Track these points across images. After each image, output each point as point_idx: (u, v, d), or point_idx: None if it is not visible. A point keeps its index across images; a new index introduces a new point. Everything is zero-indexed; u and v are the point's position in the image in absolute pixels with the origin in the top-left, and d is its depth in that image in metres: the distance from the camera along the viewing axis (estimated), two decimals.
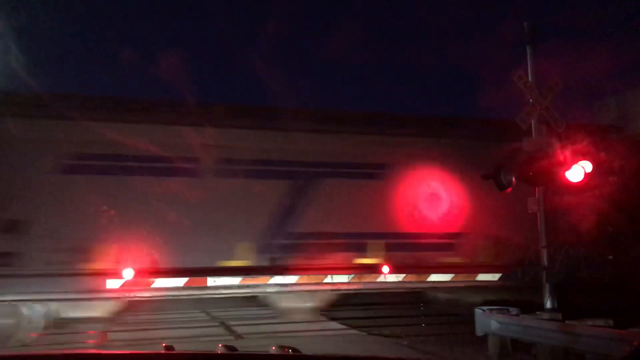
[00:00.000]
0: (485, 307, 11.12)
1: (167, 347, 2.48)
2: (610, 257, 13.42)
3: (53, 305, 12.79)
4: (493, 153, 11.91)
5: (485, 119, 15.70)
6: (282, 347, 2.66)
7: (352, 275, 14.01)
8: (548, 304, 10.25)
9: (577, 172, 9.89)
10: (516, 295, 13.41)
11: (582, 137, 10.14)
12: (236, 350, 2.57)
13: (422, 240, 14.65)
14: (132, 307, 14.24)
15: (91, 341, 12.71)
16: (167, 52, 15.96)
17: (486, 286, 14.56)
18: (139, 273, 12.68)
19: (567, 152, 10.00)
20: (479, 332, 10.98)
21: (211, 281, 13.14)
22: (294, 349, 2.59)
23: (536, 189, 10.42)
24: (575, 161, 9.96)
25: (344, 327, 14.32)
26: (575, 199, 10.49)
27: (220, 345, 2.62)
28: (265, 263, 13.71)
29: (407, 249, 14.49)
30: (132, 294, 12.96)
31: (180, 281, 13.03)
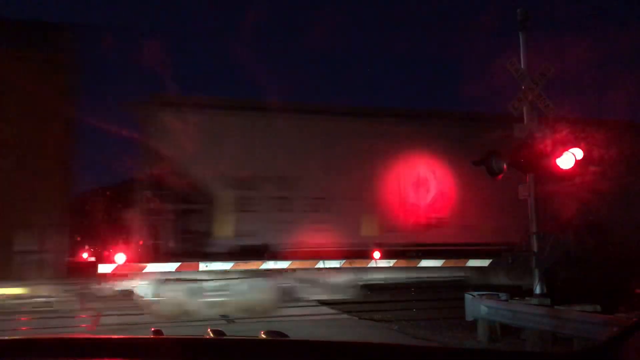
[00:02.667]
0: (475, 293, 11.22)
1: (156, 332, 2.49)
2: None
3: None
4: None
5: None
6: (270, 332, 2.68)
7: (343, 261, 14.07)
8: (537, 290, 10.35)
9: (568, 159, 9.93)
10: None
11: (572, 124, 10.19)
12: (224, 334, 2.58)
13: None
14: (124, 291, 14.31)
15: (82, 325, 12.74)
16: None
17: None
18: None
19: (558, 139, 10.03)
20: (469, 317, 11.08)
21: (203, 266, 13.15)
22: (282, 334, 2.61)
23: (527, 175, 10.48)
24: (566, 148, 10.00)
25: (335, 311, 14.39)
26: (565, 186, 10.54)
27: (209, 329, 2.64)
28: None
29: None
30: None
31: (172, 266, 13.05)
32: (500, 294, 10.81)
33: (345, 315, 13.88)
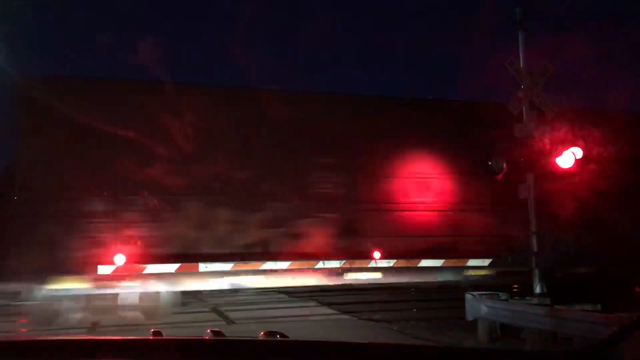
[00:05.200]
0: (475, 292, 11.22)
1: (155, 333, 2.49)
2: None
3: None
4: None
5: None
6: (270, 333, 2.67)
7: (344, 261, 14.05)
8: (537, 289, 10.35)
9: (568, 158, 9.96)
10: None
11: (572, 123, 10.21)
12: (223, 335, 2.58)
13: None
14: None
15: (83, 327, 12.73)
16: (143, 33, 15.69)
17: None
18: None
19: (557, 138, 10.06)
20: (469, 317, 11.08)
21: (203, 267, 13.14)
22: (281, 334, 2.61)
23: (527, 175, 10.48)
24: (565, 147, 10.03)
25: (335, 312, 14.40)
26: (564, 185, 10.57)
27: (207, 330, 2.63)
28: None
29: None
30: None
31: (172, 267, 13.03)
32: (501, 294, 10.81)
33: (345, 316, 13.88)
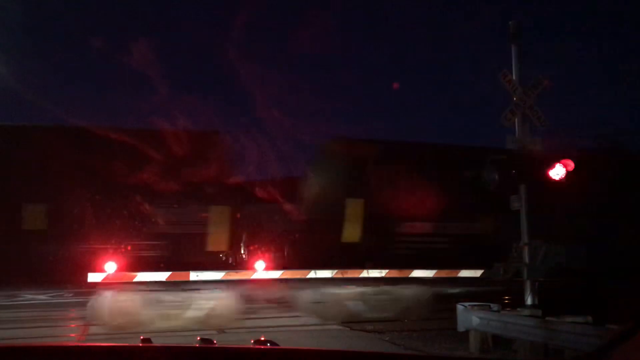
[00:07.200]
0: (466, 303, 11.20)
1: (144, 340, 2.47)
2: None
3: None
4: None
5: None
6: (260, 341, 2.67)
7: (335, 271, 14.05)
8: (529, 301, 10.36)
9: (559, 170, 10.05)
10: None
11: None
12: (213, 343, 2.57)
13: None
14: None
15: (72, 334, 12.64)
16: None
17: None
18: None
19: (550, 151, 10.15)
20: (461, 328, 11.06)
21: (194, 275, 13.09)
22: (272, 343, 2.60)
23: (519, 186, 10.53)
24: (557, 159, 10.12)
25: (327, 322, 14.33)
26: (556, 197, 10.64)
27: (198, 338, 2.62)
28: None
29: None
30: None
31: (163, 275, 12.98)
32: (492, 305, 10.80)
33: (337, 326, 13.82)
